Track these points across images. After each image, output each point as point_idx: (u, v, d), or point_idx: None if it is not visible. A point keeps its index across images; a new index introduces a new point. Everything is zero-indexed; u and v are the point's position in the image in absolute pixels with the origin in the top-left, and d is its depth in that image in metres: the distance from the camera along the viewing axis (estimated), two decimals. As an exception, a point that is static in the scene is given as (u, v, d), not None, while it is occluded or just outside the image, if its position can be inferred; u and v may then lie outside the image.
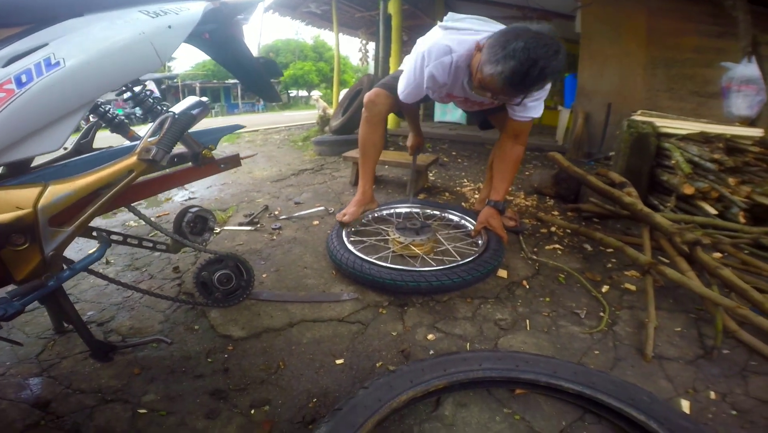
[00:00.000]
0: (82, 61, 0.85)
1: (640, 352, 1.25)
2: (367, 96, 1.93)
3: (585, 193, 2.64)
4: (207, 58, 1.50)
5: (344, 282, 1.64)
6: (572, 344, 1.30)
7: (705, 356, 1.24)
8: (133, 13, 0.97)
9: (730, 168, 2.22)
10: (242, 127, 1.61)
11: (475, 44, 1.47)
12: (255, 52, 1.41)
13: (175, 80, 23.76)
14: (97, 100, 1.08)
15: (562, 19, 5.55)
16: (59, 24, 0.87)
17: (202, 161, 1.30)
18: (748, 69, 2.95)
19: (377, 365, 1.20)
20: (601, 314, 1.45)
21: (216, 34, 1.25)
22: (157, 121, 1.04)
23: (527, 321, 1.41)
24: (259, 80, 1.45)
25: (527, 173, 3.43)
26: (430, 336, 1.32)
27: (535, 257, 1.86)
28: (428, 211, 2.22)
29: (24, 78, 0.78)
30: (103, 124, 1.32)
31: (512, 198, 2.74)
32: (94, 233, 1.17)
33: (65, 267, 0.99)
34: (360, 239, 1.92)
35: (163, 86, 21.01)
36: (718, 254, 1.77)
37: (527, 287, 1.63)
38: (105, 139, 1.32)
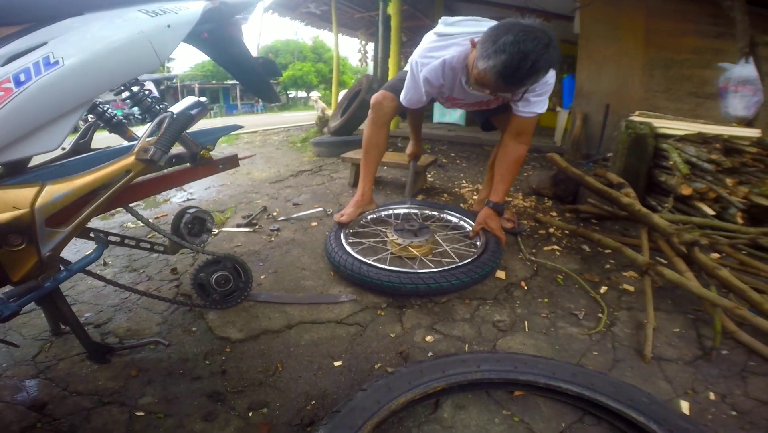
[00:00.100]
0: (80, 60, 0.85)
1: (639, 353, 1.25)
2: (374, 98, 1.96)
3: (583, 194, 2.65)
4: (206, 58, 1.49)
5: (342, 283, 1.63)
6: (571, 345, 1.30)
7: (704, 357, 1.24)
8: (132, 12, 0.97)
9: (728, 169, 2.23)
10: (241, 127, 1.60)
11: (470, 41, 1.48)
12: (254, 53, 1.41)
13: (174, 81, 23.73)
14: (95, 100, 1.07)
15: (561, 19, 5.56)
16: (58, 23, 0.86)
17: (200, 162, 1.30)
18: (746, 70, 2.96)
19: (376, 366, 1.20)
20: (600, 315, 1.45)
21: (215, 34, 1.25)
22: (155, 120, 1.03)
23: (526, 322, 1.41)
24: (257, 81, 1.45)
25: (525, 174, 3.43)
26: (428, 338, 1.32)
27: (533, 258, 1.86)
28: (427, 212, 2.22)
29: (22, 77, 0.78)
30: (102, 124, 1.31)
31: (510, 199, 2.74)
32: (92, 234, 1.17)
33: (62, 268, 0.99)
34: (358, 240, 1.92)
35: (162, 87, 20.98)
36: (716, 255, 1.77)
37: (526, 288, 1.63)
38: (103, 139, 1.32)
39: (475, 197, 2.72)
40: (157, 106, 1.27)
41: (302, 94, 31.49)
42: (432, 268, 1.57)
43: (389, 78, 4.93)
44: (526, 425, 0.99)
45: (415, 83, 1.74)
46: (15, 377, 1.15)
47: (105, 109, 1.28)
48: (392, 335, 1.33)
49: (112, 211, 2.42)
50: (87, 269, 1.08)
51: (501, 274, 1.69)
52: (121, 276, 1.74)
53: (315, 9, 7.53)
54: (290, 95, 31.45)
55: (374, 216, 2.15)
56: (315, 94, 6.25)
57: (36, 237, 0.84)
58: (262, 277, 1.69)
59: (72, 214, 0.91)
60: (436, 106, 6.68)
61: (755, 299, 1.32)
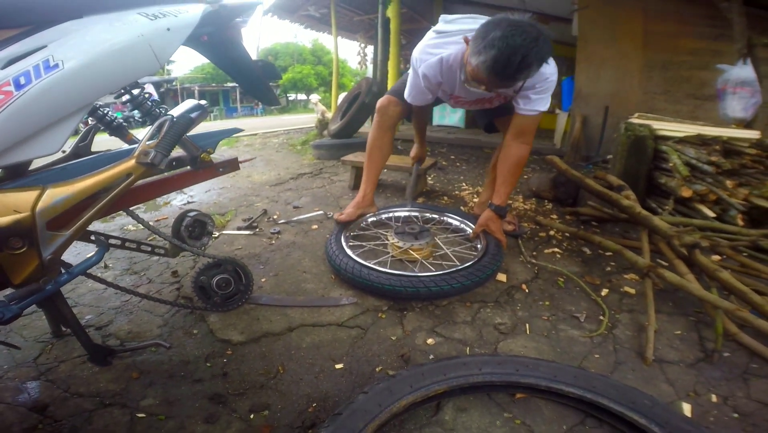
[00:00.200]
0: (81, 63, 0.85)
1: (641, 355, 1.25)
2: (379, 102, 2.00)
3: (583, 196, 2.65)
4: (206, 61, 1.50)
5: (343, 286, 1.63)
6: (572, 347, 1.29)
7: (705, 359, 1.24)
8: (132, 15, 0.97)
9: (728, 170, 2.23)
10: (241, 130, 1.61)
11: (464, 39, 1.50)
12: (254, 55, 1.41)
13: (173, 83, 23.79)
14: (95, 103, 1.07)
15: (559, 22, 5.58)
16: (58, 26, 0.87)
17: (200, 165, 1.30)
18: (744, 71, 2.96)
19: (377, 369, 1.19)
20: (601, 317, 1.45)
21: (214, 37, 1.25)
22: (156, 124, 1.03)
23: (527, 325, 1.40)
24: (257, 83, 1.45)
25: (525, 177, 3.43)
26: (429, 340, 1.32)
27: (534, 261, 1.86)
28: (427, 215, 2.22)
29: (23, 80, 0.78)
30: (102, 127, 1.31)
31: (511, 201, 2.74)
32: (93, 237, 1.17)
33: (63, 271, 0.99)
34: (359, 243, 1.91)
35: (162, 89, 20.98)
36: (716, 257, 1.77)
37: (526, 291, 1.62)
38: (103, 142, 1.32)
39: (475, 200, 2.72)
40: (157, 110, 1.27)
41: (302, 96, 31.61)
42: (433, 271, 1.57)
43: (388, 80, 4.95)
44: (527, 428, 0.99)
45: (415, 80, 1.77)
46: (16, 378, 1.15)
47: (105, 112, 1.28)
48: (393, 338, 1.33)
49: (113, 215, 2.42)
50: (88, 271, 1.08)
51: (502, 277, 1.69)
52: (122, 279, 1.74)
53: (314, 12, 7.54)
54: (290, 98, 31.54)
55: (375, 219, 2.15)
56: (315, 97, 6.27)
57: (37, 240, 0.84)
58: (262, 280, 1.69)
59: (73, 217, 0.91)
60: (436, 108, 6.70)
61: (756, 300, 1.32)
